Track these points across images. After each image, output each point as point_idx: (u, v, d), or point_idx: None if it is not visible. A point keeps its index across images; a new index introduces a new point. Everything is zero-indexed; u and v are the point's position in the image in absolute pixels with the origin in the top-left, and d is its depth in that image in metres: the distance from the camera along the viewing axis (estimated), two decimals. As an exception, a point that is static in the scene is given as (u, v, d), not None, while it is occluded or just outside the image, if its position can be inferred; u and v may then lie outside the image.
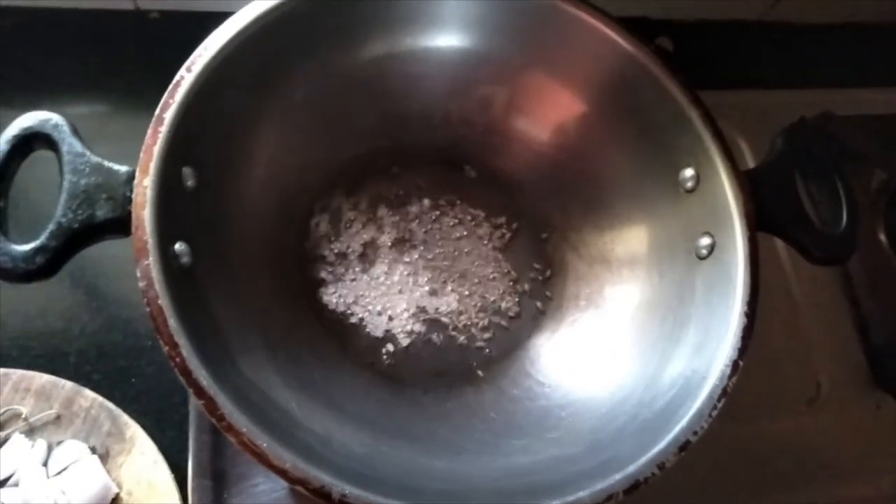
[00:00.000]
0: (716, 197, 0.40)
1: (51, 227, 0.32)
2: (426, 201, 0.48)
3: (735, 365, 0.35)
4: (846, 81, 0.65)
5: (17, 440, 0.44)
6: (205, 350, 0.31)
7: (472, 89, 0.45)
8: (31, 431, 0.45)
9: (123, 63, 0.59)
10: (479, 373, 0.44)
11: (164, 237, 0.33)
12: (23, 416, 0.45)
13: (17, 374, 0.46)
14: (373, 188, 0.48)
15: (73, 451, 0.44)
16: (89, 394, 0.46)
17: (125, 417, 0.45)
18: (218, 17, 0.38)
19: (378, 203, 0.48)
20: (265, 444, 0.30)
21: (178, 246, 0.34)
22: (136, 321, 0.52)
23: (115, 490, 0.44)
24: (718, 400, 0.34)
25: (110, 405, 0.46)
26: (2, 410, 0.45)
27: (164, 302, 0.31)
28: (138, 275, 0.31)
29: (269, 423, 0.31)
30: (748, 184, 0.40)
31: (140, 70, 0.58)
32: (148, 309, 0.31)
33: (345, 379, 0.41)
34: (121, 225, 0.33)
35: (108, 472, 0.44)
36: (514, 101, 0.45)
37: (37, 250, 0.31)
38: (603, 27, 0.40)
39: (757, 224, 0.39)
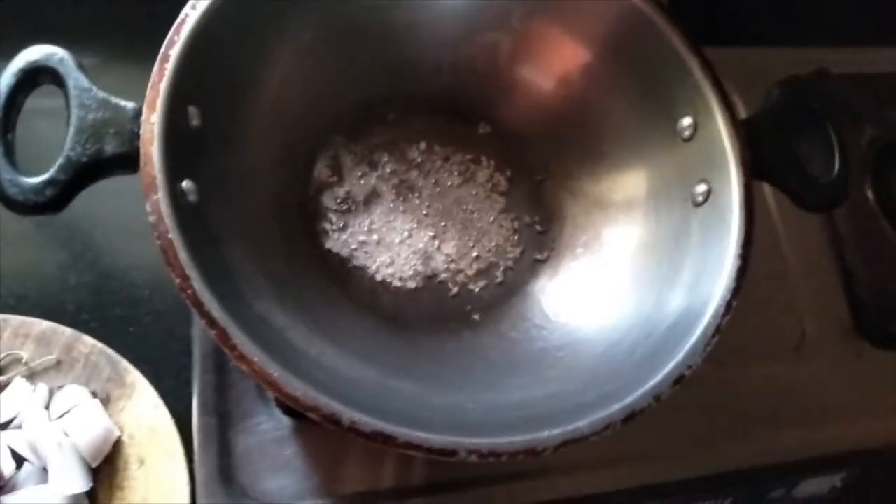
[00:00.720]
0: (713, 145, 0.41)
1: (60, 160, 0.32)
2: (426, 148, 0.49)
3: (728, 305, 0.37)
4: (841, 40, 0.66)
5: (19, 384, 0.45)
6: (215, 284, 0.32)
7: (478, 36, 0.45)
8: (31, 376, 0.46)
9: (116, 12, 0.58)
10: (476, 317, 0.45)
11: (172, 173, 0.33)
12: (23, 360, 0.46)
13: (16, 319, 0.47)
14: (374, 135, 0.48)
15: (74, 395, 0.45)
16: (89, 340, 0.46)
17: (125, 363, 0.46)
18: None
19: (379, 150, 0.48)
20: (277, 374, 0.30)
21: (184, 183, 0.34)
22: (132, 271, 0.52)
23: (117, 433, 0.45)
24: (712, 336, 0.36)
25: (110, 351, 0.46)
26: (2, 355, 0.46)
27: (173, 235, 0.31)
28: (148, 209, 0.32)
29: (279, 355, 0.32)
30: (744, 132, 0.41)
31: (135, 20, 0.58)
32: (158, 242, 0.31)
33: (348, 320, 0.42)
34: (128, 160, 0.33)
35: (110, 416, 0.44)
36: (519, 48, 0.45)
37: (46, 183, 0.31)
38: None
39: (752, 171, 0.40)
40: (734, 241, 0.38)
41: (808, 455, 0.50)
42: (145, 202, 0.32)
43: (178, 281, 0.31)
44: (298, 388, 0.30)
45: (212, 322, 0.31)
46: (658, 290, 0.41)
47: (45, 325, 0.47)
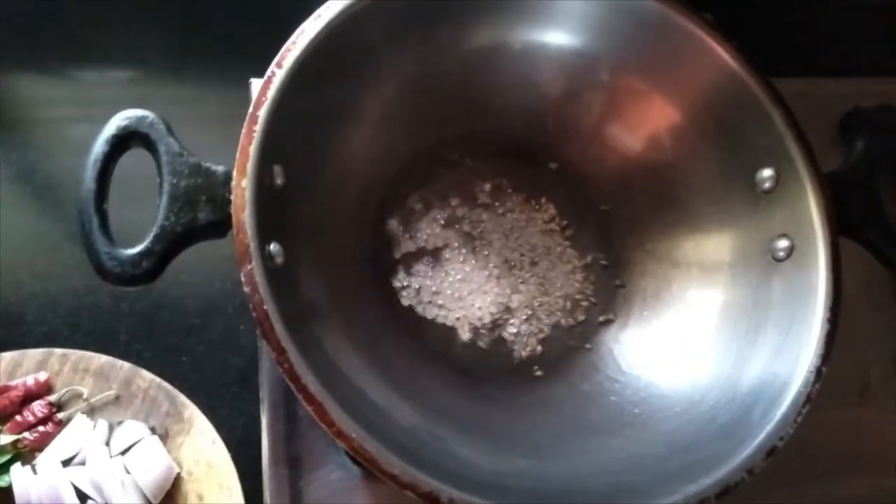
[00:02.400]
0: (796, 199, 0.40)
1: (155, 230, 0.32)
2: (493, 189, 0.48)
3: (819, 371, 0.36)
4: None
5: (80, 420, 0.45)
6: (307, 353, 0.32)
7: (571, 90, 0.45)
8: (91, 411, 0.46)
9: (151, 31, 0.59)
10: (544, 371, 0.45)
11: (262, 239, 0.33)
12: (83, 396, 0.46)
13: (76, 354, 0.47)
14: (440, 178, 0.47)
15: (134, 431, 0.45)
16: (147, 374, 0.47)
17: (182, 398, 0.46)
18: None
19: (449, 197, 0.47)
20: (374, 450, 0.30)
21: (272, 247, 0.34)
22: (184, 300, 0.52)
23: (177, 470, 0.45)
24: (803, 406, 0.35)
25: (168, 386, 0.46)
26: (63, 391, 0.46)
27: (269, 307, 0.31)
28: (243, 279, 0.32)
29: (368, 423, 0.32)
30: (830, 187, 0.40)
31: (167, 37, 0.58)
32: (254, 314, 0.31)
33: (423, 373, 0.42)
34: (219, 227, 0.33)
35: (168, 452, 0.44)
36: (609, 104, 0.45)
37: (142, 254, 0.31)
38: (705, 37, 0.40)
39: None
40: (822, 302, 0.38)
41: (877, 502, 0.50)
42: (240, 271, 0.32)
43: (274, 355, 0.31)
44: (396, 466, 0.30)
45: (309, 397, 0.30)
46: (737, 349, 0.40)
47: (104, 359, 0.47)
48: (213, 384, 0.49)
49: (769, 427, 0.35)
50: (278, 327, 0.31)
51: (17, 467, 0.42)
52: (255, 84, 0.48)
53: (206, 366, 0.50)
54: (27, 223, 0.53)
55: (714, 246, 0.44)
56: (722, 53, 0.41)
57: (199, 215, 0.32)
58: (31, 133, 0.55)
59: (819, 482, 0.49)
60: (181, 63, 0.58)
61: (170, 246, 0.32)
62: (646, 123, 0.45)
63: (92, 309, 0.51)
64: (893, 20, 0.67)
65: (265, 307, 0.31)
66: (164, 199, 0.32)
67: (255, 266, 0.31)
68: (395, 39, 0.40)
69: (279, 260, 0.34)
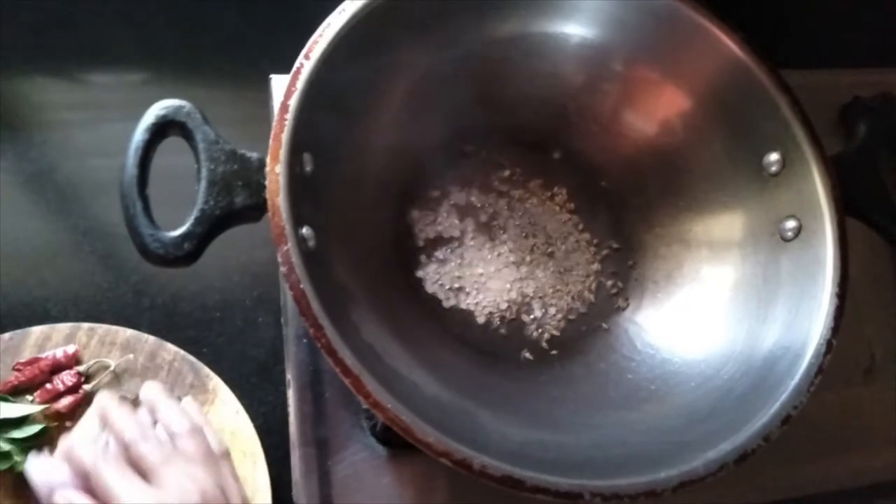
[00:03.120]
0: (803, 181, 0.42)
1: (195, 213, 0.33)
2: (509, 176, 0.50)
3: (829, 344, 0.38)
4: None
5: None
6: (341, 329, 0.33)
7: (586, 80, 0.46)
8: (118, 381, 0.47)
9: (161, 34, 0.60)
10: (562, 351, 0.46)
11: (295, 222, 0.34)
12: (110, 367, 0.47)
13: (102, 328, 0.48)
14: (461, 171, 0.49)
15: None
16: (171, 347, 0.48)
17: (206, 370, 0.47)
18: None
19: (467, 187, 0.49)
20: (409, 420, 0.32)
21: (304, 230, 0.35)
22: (204, 293, 0.53)
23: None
24: (815, 377, 0.37)
25: (192, 358, 0.48)
26: (91, 362, 0.47)
27: (305, 286, 0.32)
28: (279, 260, 0.33)
29: (400, 396, 0.33)
30: (835, 169, 0.41)
31: (176, 40, 0.60)
32: (291, 293, 0.32)
33: (446, 354, 0.43)
34: (255, 211, 0.34)
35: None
36: (624, 93, 0.46)
37: (184, 236, 0.32)
38: (714, 28, 0.42)
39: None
40: (829, 279, 0.39)
41: (881, 478, 0.51)
42: (276, 253, 0.33)
43: (312, 331, 0.32)
44: (430, 434, 0.31)
45: (346, 370, 0.32)
46: (748, 325, 0.42)
47: (130, 332, 0.48)
48: (234, 375, 0.50)
49: (784, 397, 0.36)
50: (315, 305, 0.32)
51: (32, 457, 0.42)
52: (276, 80, 0.49)
53: (226, 357, 0.51)
54: (47, 222, 0.54)
55: (723, 227, 0.46)
56: (729, 43, 0.43)
57: (236, 199, 0.34)
58: (49, 134, 0.57)
59: (825, 458, 0.50)
60: (194, 65, 0.60)
61: (210, 228, 0.33)
62: (658, 111, 0.46)
63: (114, 303, 0.52)
64: (889, 12, 0.69)
65: (302, 286, 0.32)
66: (203, 184, 0.33)
67: (290, 247, 0.33)
68: (416, 33, 0.41)
69: (311, 244, 0.35)
